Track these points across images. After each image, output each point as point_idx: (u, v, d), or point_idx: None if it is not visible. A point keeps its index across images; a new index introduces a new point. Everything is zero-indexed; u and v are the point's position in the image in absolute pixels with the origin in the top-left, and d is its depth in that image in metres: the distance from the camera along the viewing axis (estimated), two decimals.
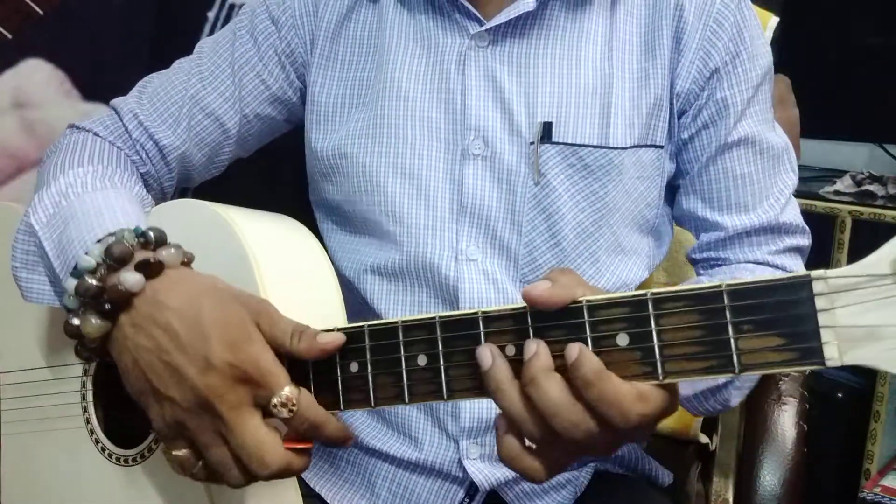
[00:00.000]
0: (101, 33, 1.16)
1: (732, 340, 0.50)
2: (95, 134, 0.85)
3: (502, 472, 0.81)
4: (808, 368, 0.48)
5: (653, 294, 0.51)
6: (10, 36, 1.09)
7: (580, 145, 0.79)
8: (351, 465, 0.87)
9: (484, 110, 0.80)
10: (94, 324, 0.61)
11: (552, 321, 0.54)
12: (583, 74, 0.80)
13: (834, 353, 0.47)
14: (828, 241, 1.66)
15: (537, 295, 0.54)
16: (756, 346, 0.49)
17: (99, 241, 0.64)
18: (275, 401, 0.58)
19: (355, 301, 0.87)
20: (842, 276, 0.46)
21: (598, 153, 0.79)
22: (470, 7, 0.80)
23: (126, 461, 0.76)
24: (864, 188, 1.70)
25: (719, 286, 0.50)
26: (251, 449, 0.58)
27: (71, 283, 0.62)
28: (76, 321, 0.63)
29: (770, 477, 0.89)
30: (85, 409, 0.80)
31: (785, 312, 0.48)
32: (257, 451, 0.58)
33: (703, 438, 1.10)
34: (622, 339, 0.52)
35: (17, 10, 1.09)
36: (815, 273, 0.47)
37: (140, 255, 0.62)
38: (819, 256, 0.88)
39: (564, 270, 0.56)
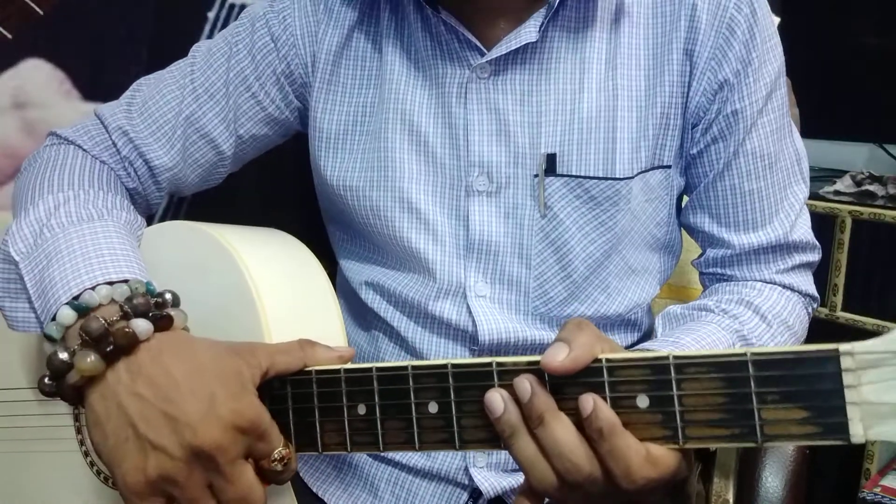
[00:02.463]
0: (101, 33, 1.16)
1: (756, 410, 0.49)
2: (78, 146, 0.81)
3: (507, 481, 0.81)
4: (831, 444, 0.47)
5: (675, 358, 0.51)
6: (10, 36, 1.09)
7: (585, 177, 0.77)
8: (354, 468, 0.87)
9: (487, 146, 0.78)
10: (89, 361, 0.59)
11: (570, 378, 0.54)
12: (586, 101, 0.77)
13: (859, 430, 0.47)
14: (828, 241, 1.66)
15: (557, 366, 0.53)
16: (780, 417, 0.49)
17: (110, 283, 0.63)
18: (275, 455, 0.60)
19: (363, 310, 0.87)
20: (868, 351, 0.46)
21: (604, 184, 0.77)
22: (470, 37, 0.76)
23: None
24: (864, 188, 1.69)
25: (744, 354, 0.49)
26: (245, 501, 0.58)
27: (68, 315, 0.61)
28: (64, 356, 0.60)
29: (772, 478, 0.88)
30: (79, 431, 0.78)
31: (811, 386, 0.48)
32: (251, 502, 0.59)
33: None
34: (642, 401, 0.52)
35: (17, 10, 1.09)
36: (842, 347, 0.47)
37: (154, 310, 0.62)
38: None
39: (581, 325, 0.55)
